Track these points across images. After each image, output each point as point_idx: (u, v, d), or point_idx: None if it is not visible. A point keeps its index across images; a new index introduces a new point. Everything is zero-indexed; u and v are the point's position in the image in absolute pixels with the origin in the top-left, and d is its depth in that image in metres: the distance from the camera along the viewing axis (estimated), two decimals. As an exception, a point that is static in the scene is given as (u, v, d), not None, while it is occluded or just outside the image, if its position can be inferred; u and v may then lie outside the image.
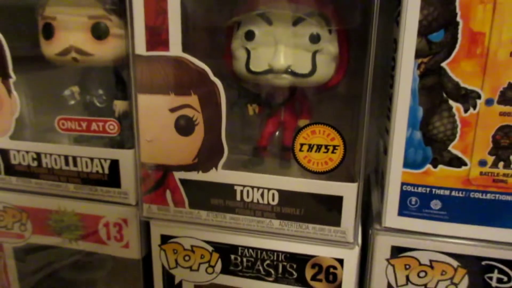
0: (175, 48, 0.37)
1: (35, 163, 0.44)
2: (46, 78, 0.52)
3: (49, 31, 0.43)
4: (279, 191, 0.38)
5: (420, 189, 0.35)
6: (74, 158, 0.43)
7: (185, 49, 0.37)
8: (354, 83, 0.40)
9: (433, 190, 0.35)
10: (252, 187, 0.39)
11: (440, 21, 0.32)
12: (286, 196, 0.38)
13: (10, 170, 0.45)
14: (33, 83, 0.53)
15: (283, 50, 0.37)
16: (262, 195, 0.39)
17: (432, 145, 0.34)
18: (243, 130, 0.45)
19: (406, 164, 0.35)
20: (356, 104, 0.40)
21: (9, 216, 0.47)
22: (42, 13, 0.43)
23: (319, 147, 0.37)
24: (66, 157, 0.43)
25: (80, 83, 0.48)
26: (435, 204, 0.35)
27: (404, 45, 0.33)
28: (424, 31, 0.32)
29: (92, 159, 0.42)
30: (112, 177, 0.42)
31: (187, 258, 0.42)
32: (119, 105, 0.46)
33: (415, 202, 0.36)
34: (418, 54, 0.33)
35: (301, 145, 0.37)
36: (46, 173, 0.44)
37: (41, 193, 0.45)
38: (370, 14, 0.34)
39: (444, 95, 0.33)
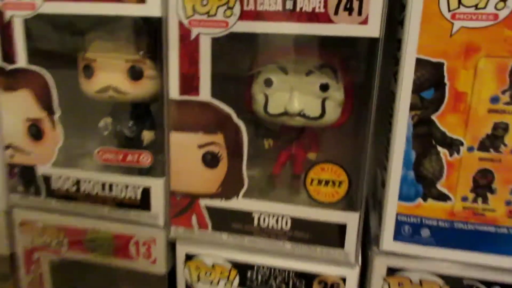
0: (205, 93, 0.44)
1: (74, 188, 0.50)
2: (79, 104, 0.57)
3: (89, 71, 0.48)
4: (291, 218, 0.45)
5: (412, 219, 0.42)
6: (110, 185, 0.49)
7: (213, 94, 0.44)
8: (357, 123, 0.46)
9: (423, 220, 0.41)
10: (268, 214, 0.45)
11: (431, 82, 0.38)
12: (298, 222, 0.44)
13: (51, 193, 0.51)
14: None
15: (297, 96, 0.43)
16: (276, 221, 0.45)
17: (423, 182, 0.41)
18: (259, 159, 0.51)
19: (401, 198, 0.41)
20: (359, 140, 0.46)
21: (48, 233, 0.52)
22: (84, 55, 0.49)
23: (327, 182, 0.43)
24: (103, 184, 0.49)
25: (112, 114, 0.53)
26: (425, 232, 0.42)
27: (401, 99, 0.39)
28: (417, 89, 0.39)
29: (127, 186, 0.48)
30: (143, 202, 0.48)
31: (208, 274, 0.48)
32: (147, 135, 0.52)
33: (408, 230, 0.42)
34: (412, 108, 0.39)
35: (312, 179, 0.44)
36: (83, 197, 0.50)
37: (79, 214, 0.51)
38: (373, 68, 0.40)
39: (433, 142, 0.40)
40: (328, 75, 0.43)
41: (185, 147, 0.45)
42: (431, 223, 0.41)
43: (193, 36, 0.42)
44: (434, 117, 0.39)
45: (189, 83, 0.44)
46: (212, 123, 0.44)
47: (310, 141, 0.49)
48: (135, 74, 0.48)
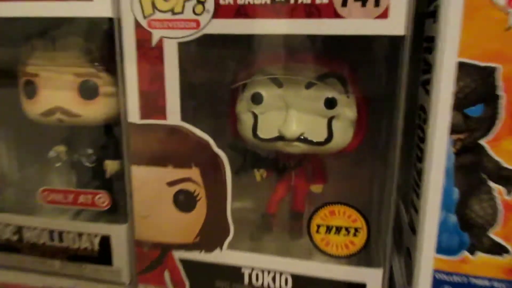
0: (173, 116, 0.33)
1: (15, 237, 0.39)
2: (31, 130, 0.47)
3: (31, 89, 0.38)
4: (292, 275, 0.34)
5: (455, 278, 0.31)
6: (60, 233, 0.38)
7: (184, 117, 0.33)
8: (374, 147, 0.36)
9: (471, 279, 0.31)
10: (262, 270, 0.34)
11: (479, 94, 0.28)
12: (301, 282, 0.34)
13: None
14: (16, 135, 0.49)
15: (295, 116, 0.33)
16: (273, 279, 0.34)
17: (470, 230, 0.30)
18: (249, 195, 0.41)
19: (440, 250, 0.31)
20: (376, 167, 0.36)
21: (-12, 294, 0.42)
22: (23, 69, 0.39)
23: (338, 230, 0.33)
24: (51, 232, 0.38)
25: (67, 141, 0.43)
26: (473, 295, 0.31)
27: (437, 119, 0.29)
28: (460, 104, 0.28)
29: (80, 235, 0.38)
30: (102, 254, 0.38)
31: None
32: (110, 166, 0.41)
33: (450, 292, 0.31)
34: (454, 130, 0.29)
35: (318, 226, 0.33)
36: (28, 248, 0.39)
37: (22, 269, 0.40)
38: (397, 76, 0.29)
39: (484, 175, 0.29)
40: (335, 87, 0.33)
41: (152, 185, 0.35)
42: (481, 283, 0.31)
43: (154, 41, 0.32)
44: (483, 142, 0.29)
45: (152, 103, 0.33)
46: (184, 154, 0.34)
47: (313, 170, 0.38)
48: (88, 91, 0.38)
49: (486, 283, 0.31)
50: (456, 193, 0.30)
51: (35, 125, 0.44)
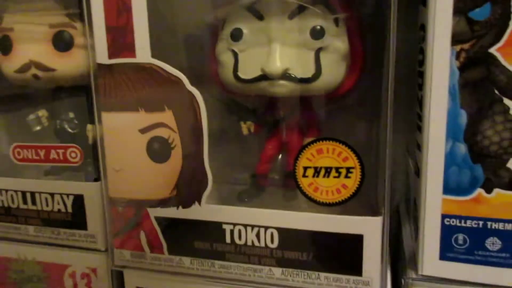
0: (143, 53, 0.30)
1: (-10, 202, 0.37)
2: (19, 105, 0.45)
3: (6, 45, 0.36)
4: (278, 230, 0.29)
5: (469, 223, 0.26)
6: (32, 195, 0.35)
7: (154, 54, 0.30)
8: (372, 88, 0.31)
9: (488, 223, 0.26)
10: (245, 226, 0.30)
11: (484, -8, 0.23)
12: (289, 237, 0.29)
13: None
14: (4, 111, 0.47)
15: (279, 50, 0.29)
16: (257, 235, 0.30)
17: (483, 161, 0.25)
18: (237, 153, 0.37)
19: (448, 189, 0.26)
20: (376, 114, 0.31)
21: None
22: (0, 24, 0.37)
23: (328, 171, 0.28)
24: (23, 193, 0.35)
25: (49, 107, 0.41)
26: (492, 244, 0.26)
27: (435, 28, 0.24)
28: (462, 7, 0.24)
29: (52, 195, 0.35)
30: (76, 217, 0.34)
31: (169, 317, 0.33)
32: (92, 130, 0.38)
33: (463, 241, 0.26)
34: (456, 39, 0.24)
35: (305, 168, 0.29)
36: (3, 213, 0.36)
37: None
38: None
39: (496, 92, 0.24)
40: (322, 15, 0.29)
41: (123, 134, 0.32)
42: (502, 227, 0.25)
43: (120, -31, 0.29)
44: (494, 50, 0.24)
45: (120, 39, 0.30)
46: (156, 96, 0.31)
47: (307, 121, 0.34)
48: (63, 42, 0.35)
49: (508, 227, 0.25)
50: (463, 116, 0.25)
51: (20, 97, 0.43)
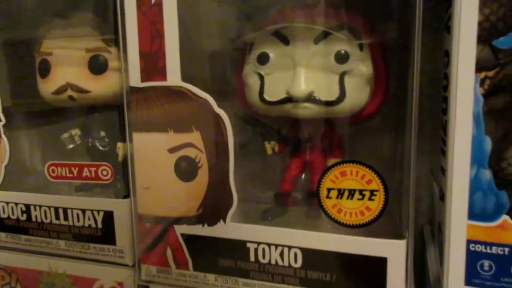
0: (174, 77, 0.31)
1: (24, 217, 0.38)
2: (53, 124, 0.47)
3: (45, 68, 0.39)
4: (302, 250, 0.30)
5: (495, 249, 0.26)
6: (65, 211, 0.37)
7: (184, 77, 0.31)
8: (396, 110, 0.32)
9: (515, 250, 0.25)
10: (269, 245, 0.31)
11: (508, 21, 0.24)
12: (312, 257, 0.30)
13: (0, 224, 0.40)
14: (39, 129, 0.49)
15: (304, 73, 0.30)
16: (281, 255, 0.31)
17: (509, 188, 0.25)
18: (261, 173, 0.38)
19: (473, 215, 0.26)
20: (400, 137, 0.32)
21: (-4, 277, 0.41)
22: (39, 49, 0.39)
23: (351, 193, 0.29)
24: (56, 209, 0.37)
25: (82, 125, 0.43)
26: (519, 271, 0.25)
27: (460, 56, 0.25)
28: (486, 35, 0.24)
29: (83, 211, 0.36)
30: (106, 232, 0.36)
31: (193, 333, 0.34)
32: (123, 148, 0.40)
33: (489, 268, 0.26)
34: (481, 67, 0.24)
35: (329, 190, 0.29)
36: (36, 228, 0.38)
37: (31, 251, 0.39)
38: (411, 20, 0.26)
39: (522, 119, 0.24)
40: (347, 39, 0.30)
41: (152, 153, 0.33)
42: (528, 255, 0.25)
43: (153, -2, 0.31)
44: (519, 78, 0.24)
45: (152, 64, 0.32)
46: (185, 118, 0.32)
47: (330, 142, 0.35)
48: (98, 66, 0.37)
49: (535, 254, 0.25)
50: (488, 142, 0.25)
51: (55, 114, 0.45)
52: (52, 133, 0.47)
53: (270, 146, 0.35)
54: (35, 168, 0.48)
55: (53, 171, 0.37)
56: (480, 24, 0.24)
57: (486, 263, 0.26)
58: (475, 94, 0.25)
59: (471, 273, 0.26)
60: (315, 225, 0.32)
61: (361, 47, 0.30)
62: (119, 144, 0.40)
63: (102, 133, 0.42)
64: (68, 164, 0.37)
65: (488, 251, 0.26)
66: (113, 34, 0.37)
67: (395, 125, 0.33)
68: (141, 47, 0.32)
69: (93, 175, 0.36)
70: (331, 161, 0.34)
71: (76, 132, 0.42)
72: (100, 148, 0.42)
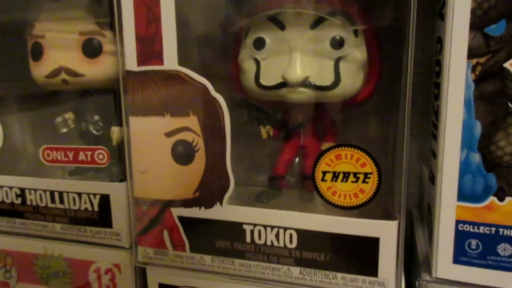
0: (170, 61, 0.32)
1: (19, 200, 0.38)
2: (46, 107, 0.47)
3: (37, 52, 0.38)
4: (297, 231, 0.31)
5: (482, 229, 0.27)
6: (60, 194, 0.37)
7: (181, 61, 0.31)
8: (389, 96, 0.33)
9: (500, 230, 0.27)
10: (265, 226, 0.32)
11: (500, 9, 0.25)
12: (307, 238, 0.31)
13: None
14: (31, 113, 0.49)
15: (299, 59, 0.31)
16: (277, 236, 0.31)
17: (497, 170, 0.26)
18: (256, 156, 0.38)
19: (462, 197, 0.27)
20: (392, 121, 0.33)
21: (-8, 260, 0.41)
22: (31, 31, 0.39)
23: (346, 176, 0.29)
24: (51, 193, 0.37)
25: (76, 109, 0.42)
26: (504, 249, 0.27)
27: (452, 42, 0.26)
28: (478, 23, 0.25)
29: (80, 195, 0.36)
30: (102, 215, 0.36)
31: (189, 312, 0.35)
32: (117, 132, 0.40)
33: (476, 246, 0.27)
34: (472, 53, 0.25)
35: (324, 173, 0.30)
36: (31, 211, 0.38)
37: (27, 234, 0.39)
38: (406, 7, 0.27)
39: (510, 105, 0.25)
40: (342, 25, 0.30)
41: (149, 137, 0.33)
42: (513, 234, 0.26)
43: (150, -19, 0.31)
44: (508, 65, 0.25)
45: (149, 48, 0.32)
46: (182, 102, 0.32)
47: (324, 126, 0.36)
48: (92, 49, 0.37)
49: (520, 233, 0.26)
50: (478, 127, 0.26)
51: (47, 97, 0.44)
52: (44, 116, 0.47)
53: (265, 131, 0.36)
54: (27, 152, 0.48)
55: (48, 155, 0.37)
56: (472, 11, 0.25)
57: (474, 242, 0.27)
58: (466, 80, 0.26)
59: (459, 252, 0.27)
60: (308, 208, 0.33)
61: (356, 33, 0.31)
62: (113, 128, 0.40)
63: (96, 117, 0.42)
64: (64, 148, 0.37)
65: (476, 230, 0.27)
66: (108, 17, 0.36)
67: (387, 109, 0.34)
68: (137, 31, 0.32)
69: (89, 159, 0.36)
70: (325, 145, 0.35)
71: (69, 115, 0.42)
72: (94, 132, 0.42)
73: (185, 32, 0.32)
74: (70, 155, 0.36)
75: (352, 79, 0.31)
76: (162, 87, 0.32)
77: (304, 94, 0.31)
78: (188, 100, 0.32)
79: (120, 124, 0.39)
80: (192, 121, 0.32)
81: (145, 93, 0.33)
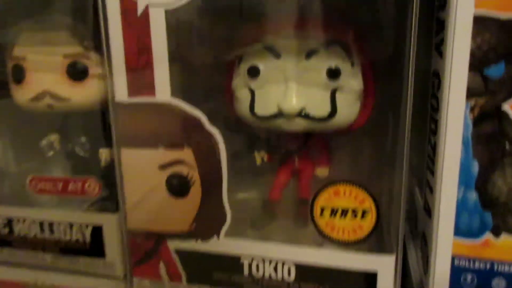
0: (163, 92, 0.31)
1: (6, 230, 0.37)
2: (26, 121, 0.45)
3: (19, 74, 0.36)
4: (296, 264, 0.31)
5: (477, 265, 0.28)
6: (51, 224, 0.36)
7: (174, 93, 0.31)
8: (384, 123, 0.33)
9: (495, 265, 0.27)
10: (263, 259, 0.31)
11: (500, 51, 0.25)
12: (305, 271, 0.31)
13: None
14: (11, 127, 0.47)
15: (295, 89, 0.30)
16: (275, 269, 0.31)
17: (493, 208, 0.27)
18: (250, 179, 0.38)
19: (458, 232, 0.27)
20: (385, 144, 0.33)
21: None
22: (11, 53, 0.37)
23: (344, 212, 0.29)
24: (41, 223, 0.36)
25: (61, 129, 0.41)
26: (498, 284, 0.27)
27: (451, 82, 0.25)
28: (478, 63, 0.25)
29: (71, 225, 0.35)
30: (95, 246, 0.35)
31: None
32: (105, 154, 0.39)
33: (471, 281, 0.28)
34: (471, 93, 0.25)
35: (322, 209, 0.30)
36: (19, 241, 0.37)
37: (16, 263, 0.38)
38: (404, 38, 0.26)
39: (508, 145, 0.26)
40: (339, 55, 0.30)
41: (142, 169, 0.32)
42: (507, 269, 0.27)
43: (140, 9, 0.29)
44: (506, 106, 0.25)
45: (140, 78, 0.31)
46: (176, 134, 0.31)
47: (318, 151, 0.35)
48: (77, 72, 0.36)
49: (514, 268, 0.27)
50: (475, 166, 0.26)
51: (29, 116, 0.42)
52: (27, 135, 0.45)
53: (259, 156, 0.35)
54: (10, 171, 0.46)
55: (36, 185, 0.36)
56: (472, 52, 0.25)
57: (469, 277, 0.28)
58: (465, 120, 0.26)
59: (454, 286, 0.28)
60: (303, 234, 0.33)
61: (352, 62, 0.31)
62: (102, 150, 0.39)
63: (83, 139, 0.41)
64: (52, 179, 0.36)
65: (471, 266, 0.28)
66: (94, 39, 0.35)
67: (382, 135, 0.34)
68: (127, 62, 0.31)
69: (79, 189, 0.35)
70: (319, 170, 0.35)
71: (54, 137, 0.40)
72: (81, 154, 0.41)
73: (179, 62, 0.31)
74: (59, 185, 0.35)
75: (348, 110, 0.31)
76: (155, 119, 0.31)
77: (300, 125, 0.31)
78: (182, 133, 0.31)
79: (110, 145, 0.39)
80: (186, 154, 0.32)
81: (137, 125, 0.32)
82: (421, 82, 0.31)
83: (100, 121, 0.40)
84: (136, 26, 0.30)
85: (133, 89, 0.31)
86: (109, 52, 0.31)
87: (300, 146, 0.35)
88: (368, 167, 0.34)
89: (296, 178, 0.36)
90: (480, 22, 0.24)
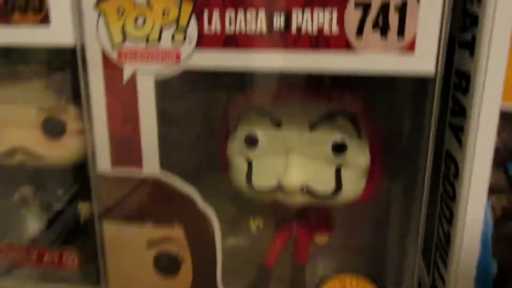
0: (151, 166, 0.27)
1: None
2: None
3: (-13, 127, 0.33)
4: None
5: None
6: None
7: (164, 165, 0.28)
8: (390, 198, 0.30)
9: None
10: None
11: (526, 149, 0.22)
12: None
13: None
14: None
15: (297, 163, 0.28)
16: None
17: (510, 310, 0.25)
18: (246, 248, 0.35)
19: (472, 331, 0.25)
20: (391, 219, 0.31)
21: None
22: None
23: (349, 304, 0.27)
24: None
25: (34, 180, 0.37)
26: None
27: (471, 178, 0.23)
28: (501, 159, 0.23)
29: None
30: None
31: None
32: (85, 209, 0.36)
33: None
34: (493, 191, 0.23)
35: (325, 300, 0.28)
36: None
37: None
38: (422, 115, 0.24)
39: (530, 247, 0.24)
40: (345, 128, 0.27)
41: (128, 246, 0.29)
42: None
43: (126, 76, 0.26)
44: (531, 206, 0.23)
45: (125, 149, 0.28)
46: (165, 210, 0.28)
47: (317, 217, 0.33)
48: (53, 129, 0.32)
49: None
50: (494, 267, 0.24)
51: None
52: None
53: (254, 224, 0.33)
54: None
55: (7, 255, 0.32)
56: (495, 147, 0.23)
57: None
58: (485, 219, 0.24)
59: None
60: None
61: (359, 134, 0.28)
62: (81, 205, 0.36)
63: (60, 191, 0.37)
64: (26, 249, 0.32)
65: None
66: (72, 92, 0.31)
67: (388, 207, 0.32)
68: (111, 130, 0.27)
69: (56, 261, 0.32)
70: (318, 237, 0.33)
71: (27, 192, 0.37)
72: (57, 208, 0.37)
73: (169, 133, 0.28)
74: (34, 257, 0.32)
75: (354, 186, 0.29)
76: (142, 193, 0.28)
77: (301, 200, 0.28)
78: (172, 210, 0.28)
79: (89, 199, 0.35)
80: (177, 232, 0.29)
81: (122, 198, 0.29)
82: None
83: (78, 173, 0.37)
84: (122, 93, 0.27)
85: (117, 160, 0.28)
86: (90, 115, 0.27)
87: (299, 213, 0.33)
88: (371, 236, 0.32)
89: (293, 244, 0.34)
90: (506, 116, 0.22)
